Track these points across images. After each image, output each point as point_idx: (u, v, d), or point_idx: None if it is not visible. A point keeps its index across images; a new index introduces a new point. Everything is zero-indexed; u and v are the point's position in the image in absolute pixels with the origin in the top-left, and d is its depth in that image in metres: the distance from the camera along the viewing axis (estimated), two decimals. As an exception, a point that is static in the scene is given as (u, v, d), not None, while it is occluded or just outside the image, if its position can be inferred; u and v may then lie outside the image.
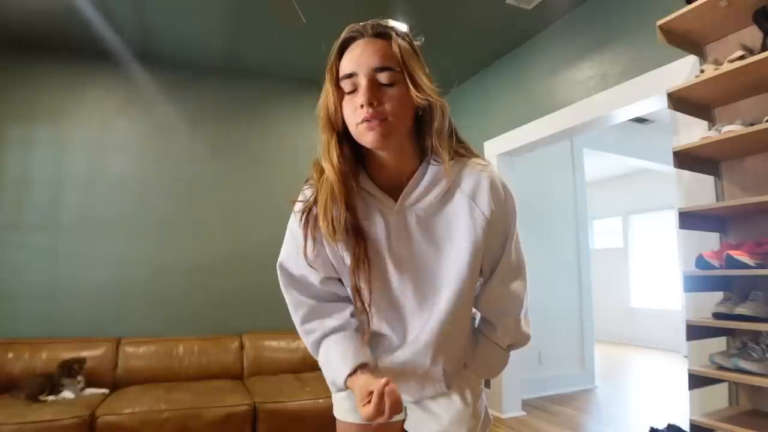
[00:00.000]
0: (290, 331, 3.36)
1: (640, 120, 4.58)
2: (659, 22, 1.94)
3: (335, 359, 0.88)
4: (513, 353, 1.03)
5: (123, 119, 3.26)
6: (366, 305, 0.87)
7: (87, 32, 2.91)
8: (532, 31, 3.11)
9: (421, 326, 0.90)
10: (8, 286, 2.86)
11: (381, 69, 0.79)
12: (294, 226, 0.92)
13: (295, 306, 0.95)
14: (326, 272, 0.91)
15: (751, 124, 1.69)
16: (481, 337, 0.99)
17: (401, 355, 0.93)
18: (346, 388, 0.87)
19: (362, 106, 0.78)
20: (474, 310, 1.00)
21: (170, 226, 3.28)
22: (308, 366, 3.16)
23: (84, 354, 2.67)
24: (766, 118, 1.65)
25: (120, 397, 2.47)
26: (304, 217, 0.88)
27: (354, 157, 0.87)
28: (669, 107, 1.94)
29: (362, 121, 0.79)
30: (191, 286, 3.26)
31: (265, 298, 3.42)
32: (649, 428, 2.23)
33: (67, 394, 2.42)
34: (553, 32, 3.03)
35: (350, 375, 0.85)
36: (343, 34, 0.85)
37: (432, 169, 0.86)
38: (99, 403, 2.37)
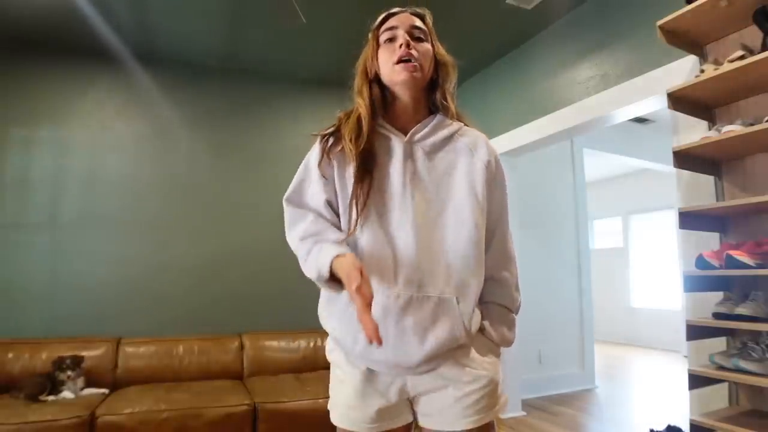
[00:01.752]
0: (290, 331, 3.39)
1: (640, 120, 4.58)
2: (659, 22, 1.94)
3: (319, 251, 0.92)
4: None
5: (123, 119, 3.27)
6: (359, 213, 0.93)
7: (87, 33, 2.91)
8: (532, 31, 3.11)
9: (429, 246, 0.94)
10: (8, 285, 2.86)
11: (416, 28, 1.00)
12: (309, 157, 1.04)
13: (297, 232, 0.99)
14: (328, 195, 0.99)
15: (751, 124, 1.69)
16: (490, 305, 1.03)
17: (411, 272, 0.92)
18: (330, 275, 0.88)
19: (401, 46, 0.97)
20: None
21: (170, 226, 3.28)
22: (308, 366, 3.17)
23: (84, 354, 2.67)
24: (766, 118, 1.65)
25: (120, 397, 2.47)
26: (325, 139, 1.02)
27: (377, 101, 1.02)
28: (669, 107, 1.94)
29: (398, 60, 0.96)
30: (191, 286, 3.26)
31: (265, 298, 3.43)
32: (648, 430, 2.24)
33: (67, 394, 2.42)
34: (553, 32, 3.03)
35: (337, 257, 0.88)
36: (387, 11, 1.05)
37: (439, 117, 1.03)
38: (99, 403, 2.37)
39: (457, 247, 0.95)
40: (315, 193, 1.00)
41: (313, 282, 0.96)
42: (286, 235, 1.02)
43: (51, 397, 2.37)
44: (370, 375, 0.95)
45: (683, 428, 2.01)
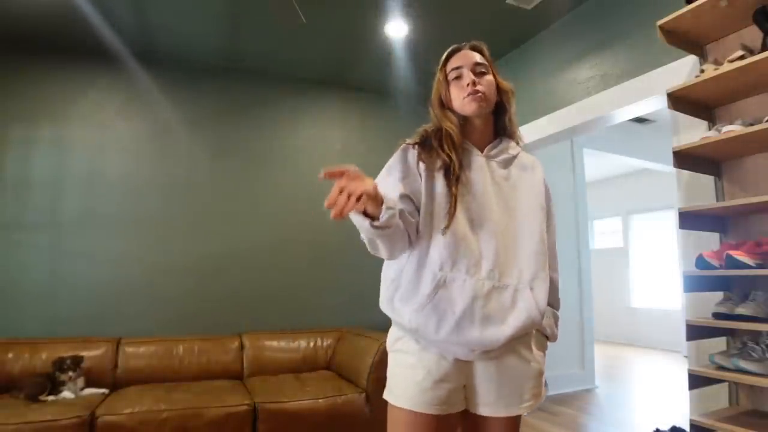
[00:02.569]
0: (290, 331, 3.39)
1: (640, 120, 4.58)
2: (659, 22, 1.95)
3: None
4: None
5: (123, 119, 3.27)
6: (454, 207, 1.08)
7: (87, 32, 2.92)
8: (532, 31, 3.11)
9: (505, 243, 1.10)
10: (8, 285, 2.86)
11: (478, 64, 1.17)
12: (391, 161, 1.17)
13: None
14: (407, 190, 1.11)
15: (751, 124, 1.69)
16: None
17: (492, 265, 1.07)
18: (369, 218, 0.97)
19: (468, 84, 1.14)
20: None
21: (170, 226, 3.28)
22: (308, 366, 3.17)
23: (84, 354, 2.66)
24: (766, 118, 1.65)
25: (120, 397, 2.46)
26: (416, 146, 1.16)
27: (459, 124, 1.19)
28: (669, 107, 1.94)
29: (467, 95, 1.14)
30: (191, 286, 3.26)
31: (265, 298, 3.43)
32: (654, 429, 2.23)
33: (67, 394, 2.42)
34: (553, 32, 3.03)
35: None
36: (450, 48, 1.21)
37: (505, 140, 1.22)
38: (99, 403, 2.37)
39: (529, 246, 1.11)
40: (392, 188, 1.08)
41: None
42: None
43: (51, 397, 2.37)
44: (442, 361, 1.07)
45: (686, 429, 2.01)
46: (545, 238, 1.14)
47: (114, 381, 2.73)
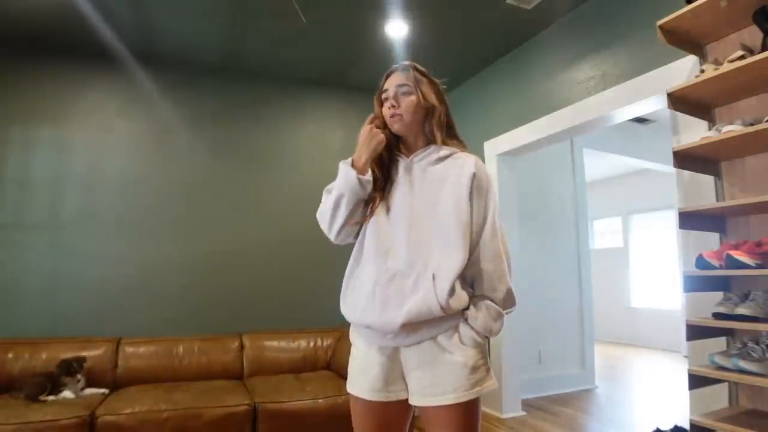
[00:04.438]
0: (290, 331, 3.39)
1: (640, 120, 4.58)
2: (659, 22, 1.95)
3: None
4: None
5: (123, 119, 3.27)
6: (370, 211, 1.26)
7: (88, 33, 2.91)
8: (532, 31, 3.11)
9: (417, 235, 1.20)
10: (9, 285, 2.87)
11: (401, 86, 1.28)
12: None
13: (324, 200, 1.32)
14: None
15: (751, 124, 1.69)
16: (475, 297, 1.20)
17: (400, 254, 1.18)
18: (354, 168, 1.23)
19: (389, 107, 1.28)
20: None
21: (171, 226, 3.28)
22: (308, 366, 3.17)
23: (84, 354, 2.67)
24: (766, 118, 1.65)
25: (120, 397, 2.47)
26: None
27: (392, 140, 1.35)
28: (669, 107, 1.94)
29: (390, 116, 1.28)
30: (191, 286, 3.26)
31: (265, 298, 3.43)
32: (654, 428, 2.23)
33: (67, 394, 2.42)
34: (553, 32, 3.03)
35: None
36: (386, 72, 1.34)
37: (434, 147, 1.31)
38: (99, 403, 2.37)
39: (439, 238, 1.18)
40: None
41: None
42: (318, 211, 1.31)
43: (51, 397, 2.37)
44: (369, 349, 1.19)
45: (688, 429, 2.01)
46: (460, 232, 1.18)
47: (114, 381, 2.73)
